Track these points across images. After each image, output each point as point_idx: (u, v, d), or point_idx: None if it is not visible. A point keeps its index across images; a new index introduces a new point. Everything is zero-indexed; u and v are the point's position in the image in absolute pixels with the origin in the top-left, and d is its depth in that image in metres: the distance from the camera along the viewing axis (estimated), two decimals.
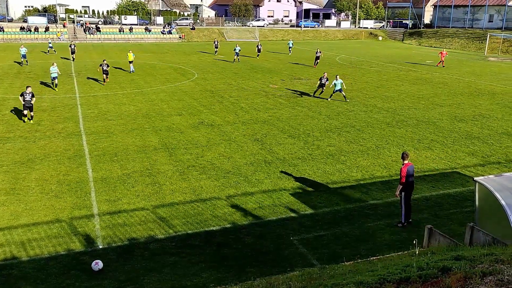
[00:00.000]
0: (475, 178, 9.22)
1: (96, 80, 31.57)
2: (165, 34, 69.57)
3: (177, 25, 75.07)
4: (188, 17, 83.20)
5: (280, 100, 26.29)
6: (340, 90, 25.94)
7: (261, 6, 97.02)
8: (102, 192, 13.35)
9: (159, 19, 77.14)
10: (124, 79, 32.68)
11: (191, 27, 73.84)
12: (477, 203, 9.34)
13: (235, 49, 43.23)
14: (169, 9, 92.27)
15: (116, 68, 37.42)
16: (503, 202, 8.39)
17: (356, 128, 20.62)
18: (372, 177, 14.89)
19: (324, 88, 27.20)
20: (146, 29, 70.03)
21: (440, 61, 42.83)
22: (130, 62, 35.63)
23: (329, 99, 26.35)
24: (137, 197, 13.08)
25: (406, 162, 11.40)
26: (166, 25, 73.03)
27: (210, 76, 35.05)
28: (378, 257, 9.07)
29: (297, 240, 10.89)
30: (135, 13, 79.54)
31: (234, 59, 43.03)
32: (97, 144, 17.74)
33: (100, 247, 10.40)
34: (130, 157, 16.34)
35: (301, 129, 20.22)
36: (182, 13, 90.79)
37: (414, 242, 7.71)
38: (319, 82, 27.32)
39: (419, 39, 73.79)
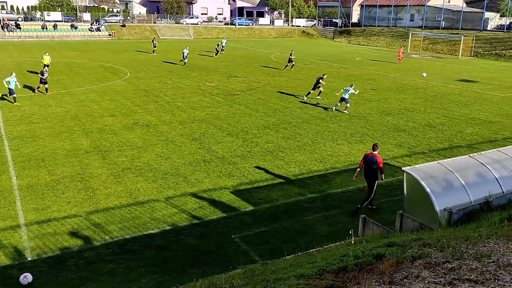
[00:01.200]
0: (403, 168, 9.77)
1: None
2: (93, 31, 66.76)
3: (106, 22, 72.30)
4: (118, 14, 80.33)
5: (217, 98, 26.20)
6: (346, 101, 23.20)
7: (194, 3, 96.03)
8: (29, 200, 12.56)
9: (86, 16, 73.88)
10: (50, 79, 30.91)
11: (122, 24, 71.45)
12: (405, 191, 9.91)
13: (184, 52, 39.06)
14: (96, 5, 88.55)
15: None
16: (428, 189, 8.96)
17: (293, 124, 21.06)
18: (309, 172, 15.29)
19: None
20: (72, 26, 66.74)
21: (399, 58, 46.02)
22: (46, 66, 29.55)
23: (333, 109, 23.89)
24: (69, 203, 12.47)
25: (371, 151, 12.31)
26: (94, 22, 70.04)
27: (143, 74, 34.15)
28: (317, 249, 9.35)
29: (238, 237, 10.93)
30: (59, 9, 75.55)
31: (184, 62, 39.21)
32: (21, 149, 16.66)
33: (29, 259, 9.78)
34: (59, 162, 15.53)
35: (239, 127, 20.30)
36: (111, 9, 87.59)
37: (350, 232, 8.03)
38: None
39: (349, 37, 76.76)
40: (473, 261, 5.43)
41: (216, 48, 48.03)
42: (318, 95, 26.73)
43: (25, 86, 27.36)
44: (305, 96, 26.60)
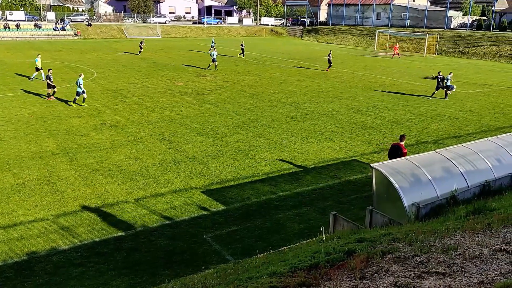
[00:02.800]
0: (371, 165, 9.94)
1: None
2: (58, 30, 64.93)
3: (71, 21, 70.47)
4: (84, 13, 78.46)
5: (186, 98, 25.98)
6: (450, 87, 27.23)
7: (162, 2, 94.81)
8: None
9: (50, 15, 71.73)
10: (13, 80, 29.96)
11: (87, 23, 69.81)
12: (374, 187, 10.09)
13: (212, 52, 37.11)
14: (61, 4, 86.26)
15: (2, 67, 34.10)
16: (396, 185, 9.16)
17: (263, 123, 21.11)
18: (280, 170, 15.36)
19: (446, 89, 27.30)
20: (35, 25, 64.72)
21: (394, 53, 50.71)
22: (39, 69, 29.42)
23: (430, 98, 27.35)
24: (35, 207, 12.10)
25: (398, 142, 13.12)
26: (59, 21, 68.16)
27: (110, 74, 33.48)
28: (289, 246, 9.41)
29: (210, 237, 10.88)
30: (22, 8, 73.13)
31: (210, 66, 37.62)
32: None
33: None
34: (24, 165, 15.05)
35: (209, 126, 20.19)
36: (76, 8, 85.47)
37: (321, 229, 8.10)
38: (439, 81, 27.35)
39: (317, 36, 77.52)
40: (440, 254, 5.59)
41: (140, 46, 47.57)
42: (446, 94, 27.59)
43: None
44: (430, 97, 27.79)
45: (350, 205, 12.84)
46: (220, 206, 12.57)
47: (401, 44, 61.56)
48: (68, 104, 23.62)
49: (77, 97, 23.31)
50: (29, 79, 29.98)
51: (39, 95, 25.66)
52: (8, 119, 20.49)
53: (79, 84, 23.01)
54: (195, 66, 38.99)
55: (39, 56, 30.56)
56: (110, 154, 16.35)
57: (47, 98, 24.73)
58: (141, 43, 48.65)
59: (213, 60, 37.04)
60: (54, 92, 24.63)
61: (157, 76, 33.29)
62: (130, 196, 12.97)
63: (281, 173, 15.09)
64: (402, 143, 13.01)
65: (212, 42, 50.83)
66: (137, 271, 9.42)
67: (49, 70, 24.90)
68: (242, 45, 47.20)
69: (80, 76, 23.63)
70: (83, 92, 23.15)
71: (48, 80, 24.37)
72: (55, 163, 15.33)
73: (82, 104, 23.21)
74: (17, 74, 32.47)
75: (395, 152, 12.79)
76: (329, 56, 38.90)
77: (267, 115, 22.63)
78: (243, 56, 46.50)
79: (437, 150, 10.94)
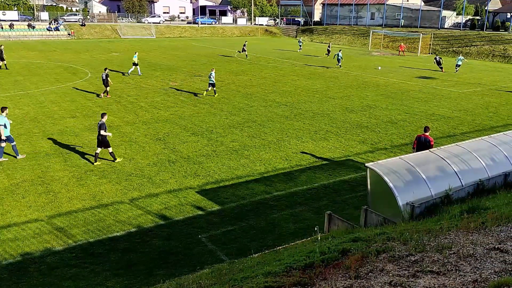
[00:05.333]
0: (366, 164, 9.97)
1: None
2: (51, 31, 64.61)
3: (65, 21, 70.15)
4: (77, 13, 78.12)
5: (181, 98, 25.93)
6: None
7: (156, 2, 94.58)
8: None
9: (44, 15, 71.38)
10: (6, 80, 29.78)
11: (81, 23, 69.50)
12: (369, 187, 10.12)
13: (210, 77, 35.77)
14: (55, 4, 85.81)
15: None
16: (391, 184, 9.18)
17: (257, 123, 21.11)
18: (275, 170, 15.37)
19: None
20: (29, 25, 64.37)
21: (400, 51, 54.93)
22: (136, 64, 33.18)
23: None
24: (29, 208, 12.03)
25: (424, 133, 13.22)
26: (53, 21, 67.81)
27: None
28: (284, 246, 9.42)
29: (205, 237, 10.86)
30: (15, 8, 72.70)
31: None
32: None
33: None
34: (18, 166, 14.96)
35: (204, 126, 20.16)
36: (69, 8, 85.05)
37: (316, 228, 8.12)
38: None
39: (311, 36, 77.63)
40: (435, 253, 5.61)
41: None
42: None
43: None
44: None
45: (345, 204, 12.87)
46: (215, 206, 12.56)
47: (395, 43, 61.81)
48: (197, 96, 26.42)
49: (208, 89, 26.39)
50: (124, 74, 33.41)
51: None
52: None
53: (211, 76, 26.11)
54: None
55: (137, 53, 34.78)
56: (105, 154, 16.27)
57: (106, 95, 25.71)
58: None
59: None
60: (106, 92, 25.80)
61: (151, 76, 33.20)
62: (125, 197, 12.93)
63: (276, 173, 15.10)
64: (427, 133, 13.16)
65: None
66: (132, 272, 9.39)
67: (105, 69, 26.06)
68: (244, 45, 47.36)
69: (212, 70, 26.56)
70: (213, 85, 26.25)
71: (107, 79, 25.64)
72: (49, 163, 15.25)
73: (215, 96, 26.44)
74: (9, 74, 32.24)
75: (423, 144, 12.83)
76: (329, 47, 47.11)
77: (262, 115, 22.63)
78: (246, 56, 46.50)
79: (431, 150, 10.99)
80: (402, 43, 58.10)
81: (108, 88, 25.76)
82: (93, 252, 10.07)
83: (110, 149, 15.31)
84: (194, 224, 11.51)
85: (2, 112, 15.37)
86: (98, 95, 25.77)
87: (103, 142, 15.13)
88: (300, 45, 56.43)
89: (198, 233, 11.06)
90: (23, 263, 9.58)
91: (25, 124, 19.79)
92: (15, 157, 15.58)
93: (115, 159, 15.46)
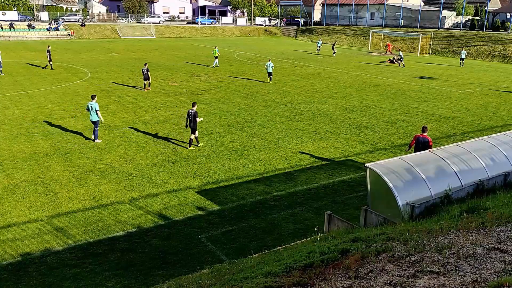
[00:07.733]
0: (366, 164, 9.96)
1: None
2: (51, 31, 64.62)
3: (65, 21, 70.16)
4: (77, 13, 78.10)
5: (180, 98, 25.92)
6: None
7: (156, 2, 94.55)
8: None
9: (44, 15, 71.39)
10: (6, 81, 29.78)
11: (81, 23, 69.50)
12: (369, 187, 10.11)
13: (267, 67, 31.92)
14: (54, 4, 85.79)
15: None
16: (391, 184, 9.18)
17: (257, 123, 21.11)
18: (275, 170, 15.36)
19: None
20: (29, 25, 64.37)
21: (387, 51, 55.03)
22: (216, 57, 38.34)
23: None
24: (29, 208, 12.03)
25: (422, 133, 13.24)
26: (53, 22, 67.82)
27: (104, 75, 33.35)
28: (284, 246, 9.41)
29: (205, 237, 10.86)
30: (15, 8, 72.68)
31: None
32: None
33: None
34: (18, 166, 14.95)
35: (204, 126, 20.15)
36: (69, 8, 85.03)
37: (316, 228, 8.11)
38: None
39: (311, 36, 77.63)
40: (434, 253, 5.61)
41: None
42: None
43: None
44: None
45: (345, 204, 12.87)
46: (214, 206, 12.56)
47: (395, 44, 61.78)
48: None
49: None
50: (212, 67, 37.59)
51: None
52: (2, 119, 20.36)
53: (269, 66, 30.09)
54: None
55: (216, 46, 39.55)
56: (104, 154, 16.28)
57: (143, 89, 27.92)
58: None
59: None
60: (149, 84, 28.21)
61: (151, 76, 33.13)
62: (125, 197, 12.93)
63: (276, 173, 15.09)
64: (425, 133, 13.19)
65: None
66: (131, 272, 9.39)
67: (145, 65, 28.32)
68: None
69: (269, 60, 30.91)
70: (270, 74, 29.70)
71: (148, 73, 27.90)
72: (49, 164, 15.25)
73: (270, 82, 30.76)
74: (9, 74, 32.24)
75: (423, 145, 12.83)
76: (333, 47, 49.95)
77: (262, 115, 22.63)
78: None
79: (431, 150, 10.98)
80: (388, 42, 59.14)
81: (150, 81, 28.20)
82: (92, 252, 10.07)
83: (197, 133, 17.18)
84: (194, 224, 11.51)
85: (93, 99, 17.52)
86: (143, 88, 28.04)
87: (194, 128, 16.89)
88: (319, 46, 55.90)
89: (197, 233, 11.05)
90: (23, 263, 9.58)
91: (24, 124, 19.78)
92: (93, 140, 17.64)
93: (198, 144, 17.47)
